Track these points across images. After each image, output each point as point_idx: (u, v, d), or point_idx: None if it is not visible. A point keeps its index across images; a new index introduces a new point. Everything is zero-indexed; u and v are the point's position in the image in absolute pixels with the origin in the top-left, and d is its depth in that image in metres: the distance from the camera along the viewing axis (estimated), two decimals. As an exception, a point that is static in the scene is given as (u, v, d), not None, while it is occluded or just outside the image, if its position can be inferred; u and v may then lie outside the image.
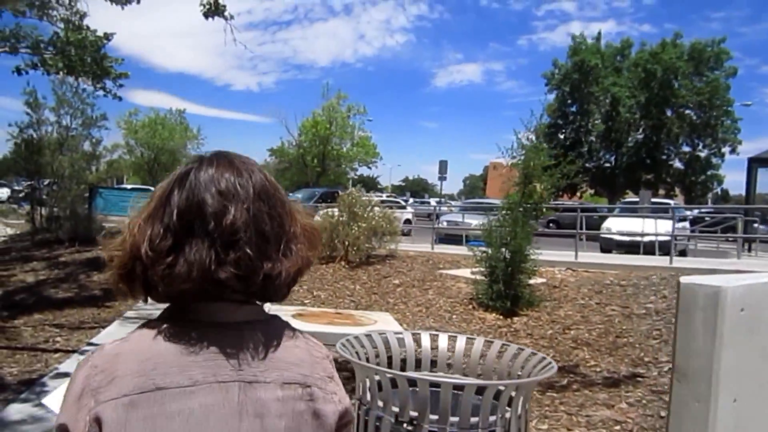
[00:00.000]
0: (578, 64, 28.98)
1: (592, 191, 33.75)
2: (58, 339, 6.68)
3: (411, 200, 48.18)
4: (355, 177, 50.70)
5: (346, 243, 11.60)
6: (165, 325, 0.94)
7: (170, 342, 0.92)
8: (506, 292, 8.48)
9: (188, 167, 1.00)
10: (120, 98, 16.28)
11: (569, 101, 30.95)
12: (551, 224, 28.70)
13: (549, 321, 8.02)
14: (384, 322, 7.66)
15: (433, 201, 54.63)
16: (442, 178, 21.23)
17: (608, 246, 17.28)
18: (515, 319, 8.23)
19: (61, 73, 13.63)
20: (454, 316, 8.48)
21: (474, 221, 20.59)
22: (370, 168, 47.17)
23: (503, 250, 8.75)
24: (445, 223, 20.42)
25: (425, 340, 3.71)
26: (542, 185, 8.63)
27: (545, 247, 16.42)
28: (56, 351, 6.26)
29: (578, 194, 33.80)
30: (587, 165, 31.31)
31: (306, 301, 9.28)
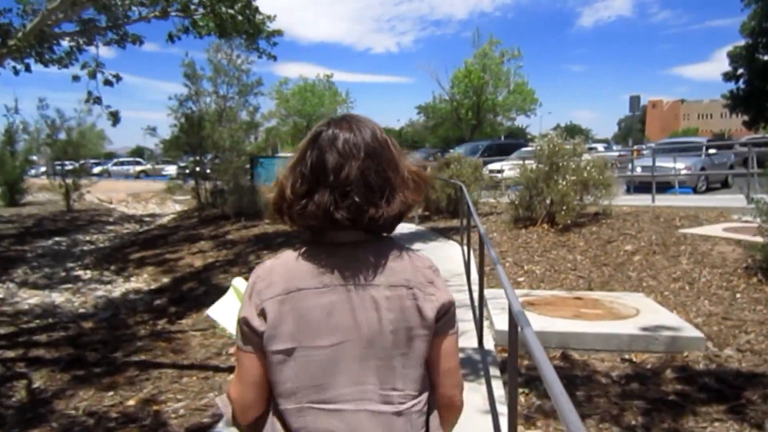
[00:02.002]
0: (787, -35, 23.94)
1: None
2: (231, 350, 5.26)
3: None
4: (503, 128, 47.72)
5: (549, 201, 9.45)
6: (303, 247, 1.28)
7: (306, 257, 1.25)
8: (816, 259, 6.00)
9: (319, 129, 1.30)
10: (275, 57, 15.02)
11: (769, 16, 25.97)
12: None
13: None
14: (648, 311, 5.52)
15: (600, 146, 50.29)
16: (633, 117, 18.12)
17: None
18: (838, 298, 5.74)
19: (212, 34, 12.45)
20: (738, 296, 6.13)
21: (678, 164, 17.53)
22: (528, 116, 43.86)
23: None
24: (639, 170, 17.46)
25: None
26: None
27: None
28: (230, 370, 4.80)
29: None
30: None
31: (519, 279, 7.33)
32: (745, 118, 30.12)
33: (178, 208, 19.07)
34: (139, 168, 43.87)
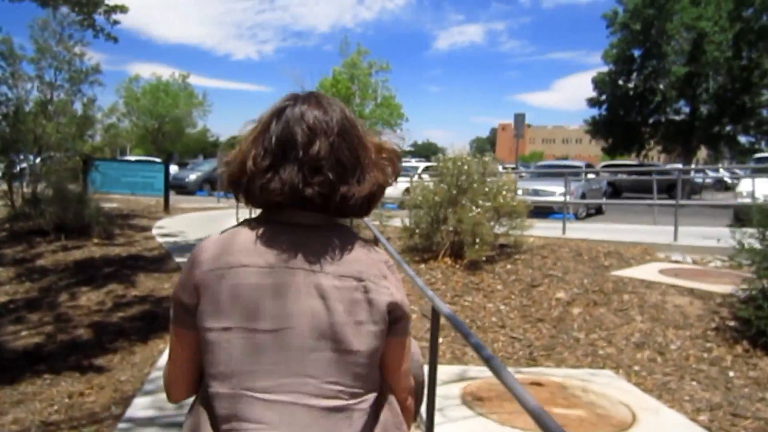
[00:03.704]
0: (651, -4, 24.41)
1: (660, 148, 29.50)
2: None
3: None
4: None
5: (456, 231, 7.73)
6: (255, 224, 1.19)
7: (256, 235, 1.16)
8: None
9: (285, 104, 1.22)
10: (115, 39, 12.37)
11: (631, 44, 26.46)
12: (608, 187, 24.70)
13: None
14: (643, 408, 3.85)
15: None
16: (518, 135, 17.07)
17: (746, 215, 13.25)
18: None
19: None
20: (731, 374, 4.66)
21: (558, 189, 16.94)
22: (395, 130, 42.64)
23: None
24: (520, 192, 16.46)
25: None
26: None
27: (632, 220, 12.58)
28: None
29: (644, 153, 29.53)
30: (659, 118, 26.99)
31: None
32: (604, 144, 30.79)
33: (-13, 216, 15.41)
34: (-48, 165, 37.64)
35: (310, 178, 1.13)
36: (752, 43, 23.33)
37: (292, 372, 1.10)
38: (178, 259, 8.50)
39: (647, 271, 7.13)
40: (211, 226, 4.41)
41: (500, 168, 10.26)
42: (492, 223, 7.88)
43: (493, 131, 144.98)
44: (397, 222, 10.09)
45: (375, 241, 5.81)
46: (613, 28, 26.69)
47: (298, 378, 1.11)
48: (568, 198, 16.71)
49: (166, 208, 15.68)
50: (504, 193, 7.78)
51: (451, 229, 7.88)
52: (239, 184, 1.19)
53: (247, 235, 1.16)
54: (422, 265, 7.80)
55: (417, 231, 8.24)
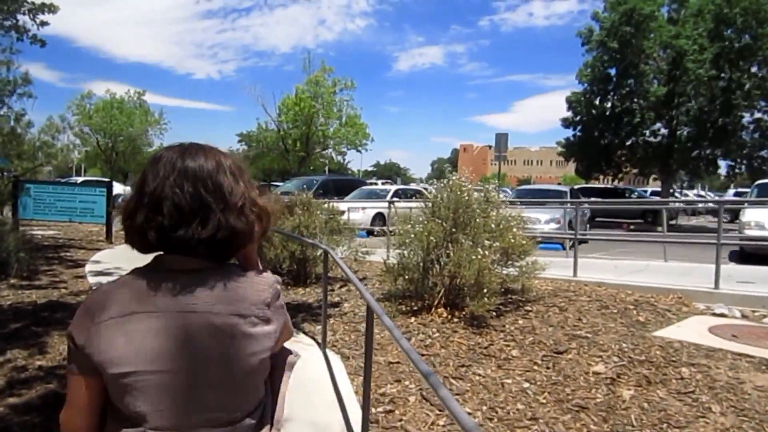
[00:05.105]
0: (628, 13, 23.37)
1: (636, 171, 28.48)
2: None
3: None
4: (334, 162, 44.96)
5: (452, 275, 6.21)
6: (141, 271, 1.24)
7: (143, 282, 1.21)
8: None
9: (156, 153, 1.30)
10: (43, 43, 10.73)
11: (608, 63, 25.47)
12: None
13: None
14: None
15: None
16: (500, 157, 15.70)
17: (756, 250, 12.09)
18: None
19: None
20: None
21: (543, 216, 15.66)
22: (359, 151, 41.03)
23: None
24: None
25: None
26: None
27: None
28: None
29: (620, 176, 28.57)
30: (636, 140, 25.96)
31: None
32: (577, 166, 29.79)
33: None
34: None
35: (152, 220, 1.19)
36: (733, 62, 22.54)
37: (195, 409, 1.16)
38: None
39: (695, 331, 5.71)
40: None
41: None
42: (498, 267, 6.39)
43: (455, 152, 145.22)
44: (376, 257, 8.57)
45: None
46: (589, 45, 25.69)
47: (200, 414, 1.17)
48: (554, 226, 15.52)
49: (108, 237, 13.88)
50: (515, 230, 6.30)
51: (446, 273, 6.36)
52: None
53: (137, 283, 1.21)
54: (413, 319, 6.27)
55: (405, 275, 6.69)
